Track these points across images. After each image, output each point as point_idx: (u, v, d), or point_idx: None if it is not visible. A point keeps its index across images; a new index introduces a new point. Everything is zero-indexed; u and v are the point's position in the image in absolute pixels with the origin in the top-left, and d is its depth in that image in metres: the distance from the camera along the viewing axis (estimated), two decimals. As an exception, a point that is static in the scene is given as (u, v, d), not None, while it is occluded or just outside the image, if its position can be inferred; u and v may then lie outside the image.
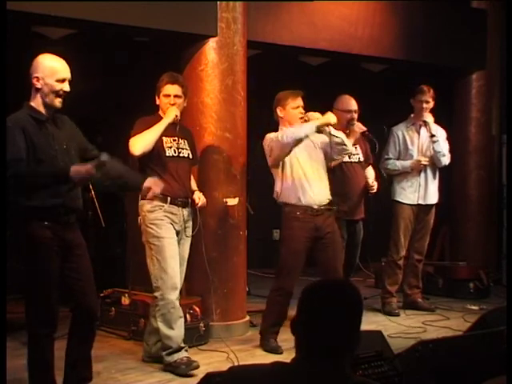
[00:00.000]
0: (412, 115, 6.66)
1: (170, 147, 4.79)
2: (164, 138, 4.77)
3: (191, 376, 4.57)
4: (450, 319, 6.28)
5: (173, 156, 4.78)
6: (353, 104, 5.97)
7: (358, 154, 6.09)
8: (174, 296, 4.68)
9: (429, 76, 7.35)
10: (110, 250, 7.17)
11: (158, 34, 5.76)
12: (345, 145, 5.28)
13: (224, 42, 5.63)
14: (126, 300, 5.69)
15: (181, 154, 4.83)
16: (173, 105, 4.79)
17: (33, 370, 3.84)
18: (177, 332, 4.73)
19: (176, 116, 4.73)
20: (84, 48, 6.47)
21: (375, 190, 6.08)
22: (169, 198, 4.71)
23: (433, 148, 6.53)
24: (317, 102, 5.31)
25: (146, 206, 4.72)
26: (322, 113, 5.22)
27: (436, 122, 6.63)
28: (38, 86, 3.79)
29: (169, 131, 4.78)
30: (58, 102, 3.82)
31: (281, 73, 7.98)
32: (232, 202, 5.49)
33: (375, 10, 7.03)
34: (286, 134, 5.09)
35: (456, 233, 8.19)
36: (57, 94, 3.81)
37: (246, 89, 5.77)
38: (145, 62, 7.22)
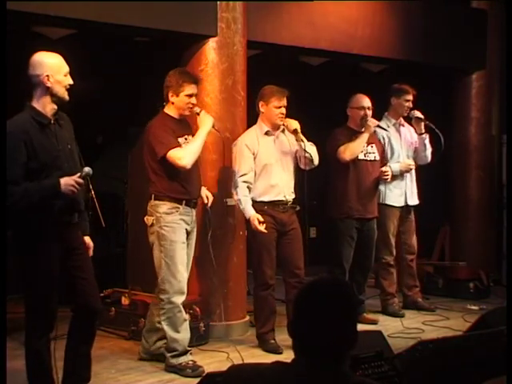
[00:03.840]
0: (387, 113, 6.57)
1: None
2: (180, 140, 4.70)
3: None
4: (450, 319, 6.28)
5: None
6: (365, 101, 6.08)
7: (373, 153, 6.12)
8: (180, 300, 4.68)
9: (429, 76, 7.35)
10: (110, 249, 7.16)
11: (158, 34, 5.76)
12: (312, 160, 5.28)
13: (224, 41, 5.64)
14: (125, 300, 5.69)
15: None
16: (194, 105, 4.75)
17: (31, 370, 3.85)
18: (183, 335, 4.73)
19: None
20: (84, 48, 6.46)
21: (390, 176, 6.13)
22: (184, 201, 4.70)
23: (424, 145, 6.53)
24: (317, 102, 5.31)
25: (161, 207, 4.67)
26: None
27: (435, 121, 6.63)
28: (49, 84, 3.78)
29: (179, 130, 4.73)
30: (66, 95, 3.85)
31: (281, 73, 7.98)
32: (232, 202, 5.48)
33: (375, 10, 7.03)
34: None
35: (456, 233, 8.17)
36: (65, 88, 3.84)
37: (245, 89, 5.77)
38: (145, 62, 7.22)
